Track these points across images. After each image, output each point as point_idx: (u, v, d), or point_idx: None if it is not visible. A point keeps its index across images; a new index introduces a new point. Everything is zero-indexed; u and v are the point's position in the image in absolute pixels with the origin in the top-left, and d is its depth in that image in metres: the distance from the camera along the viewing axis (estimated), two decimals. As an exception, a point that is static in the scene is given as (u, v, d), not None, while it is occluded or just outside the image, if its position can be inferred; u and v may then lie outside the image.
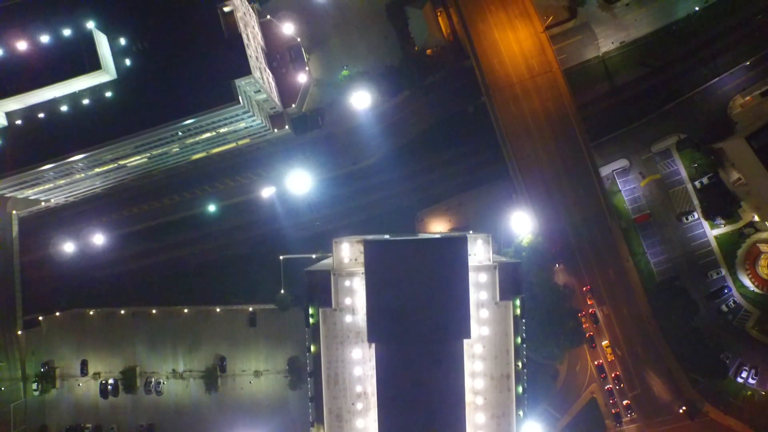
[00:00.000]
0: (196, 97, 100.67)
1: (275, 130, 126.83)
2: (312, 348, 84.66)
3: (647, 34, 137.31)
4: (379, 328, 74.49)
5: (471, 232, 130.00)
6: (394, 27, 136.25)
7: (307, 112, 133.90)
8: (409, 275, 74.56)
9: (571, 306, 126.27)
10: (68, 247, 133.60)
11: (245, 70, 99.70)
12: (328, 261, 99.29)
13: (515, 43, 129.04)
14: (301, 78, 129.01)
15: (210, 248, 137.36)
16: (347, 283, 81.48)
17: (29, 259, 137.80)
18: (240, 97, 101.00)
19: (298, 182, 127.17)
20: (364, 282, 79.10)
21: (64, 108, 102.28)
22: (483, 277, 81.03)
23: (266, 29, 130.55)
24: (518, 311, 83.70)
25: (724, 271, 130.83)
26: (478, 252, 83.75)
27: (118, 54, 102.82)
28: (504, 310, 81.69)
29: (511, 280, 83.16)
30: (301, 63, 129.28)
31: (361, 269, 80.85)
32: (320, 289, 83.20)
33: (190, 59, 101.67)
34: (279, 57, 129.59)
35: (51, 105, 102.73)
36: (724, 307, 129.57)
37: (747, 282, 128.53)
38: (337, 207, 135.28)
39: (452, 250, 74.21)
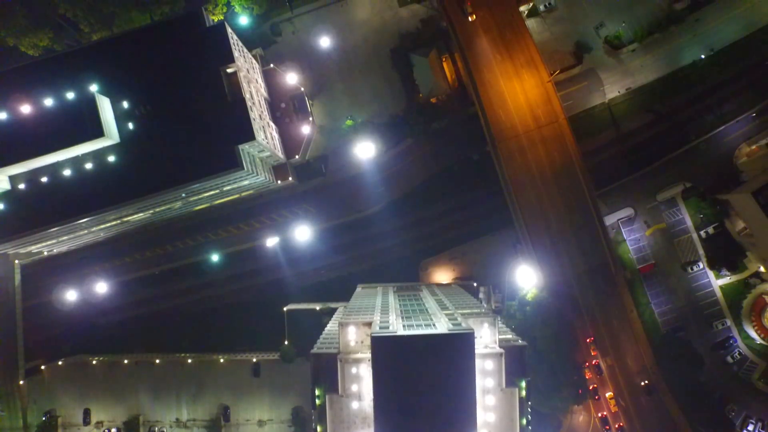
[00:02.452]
0: (199, 162, 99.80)
1: (279, 182, 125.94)
2: (318, 429, 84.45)
3: (653, 81, 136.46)
4: (385, 420, 74.33)
5: (475, 283, 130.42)
6: (398, 73, 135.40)
7: (311, 160, 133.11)
8: (416, 369, 74.15)
9: (574, 359, 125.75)
10: (70, 293, 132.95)
11: (249, 136, 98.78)
12: (333, 327, 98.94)
13: (521, 93, 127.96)
14: (305, 129, 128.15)
15: (213, 296, 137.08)
16: (354, 370, 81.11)
17: (31, 304, 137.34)
18: (244, 162, 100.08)
19: (302, 231, 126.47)
20: (370, 368, 78.53)
21: (67, 172, 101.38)
22: (489, 365, 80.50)
23: (269, 78, 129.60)
24: (523, 393, 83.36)
25: (729, 322, 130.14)
26: (485, 335, 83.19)
27: (120, 117, 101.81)
28: (510, 395, 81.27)
29: (517, 363, 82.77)
30: (304, 113, 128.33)
31: (368, 354, 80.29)
32: (326, 372, 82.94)
33: (194, 123, 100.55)
34: (282, 107, 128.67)
35: (54, 169, 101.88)
36: (729, 359, 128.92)
37: (753, 333, 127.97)
38: (341, 255, 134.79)
39: (459, 345, 73.78)
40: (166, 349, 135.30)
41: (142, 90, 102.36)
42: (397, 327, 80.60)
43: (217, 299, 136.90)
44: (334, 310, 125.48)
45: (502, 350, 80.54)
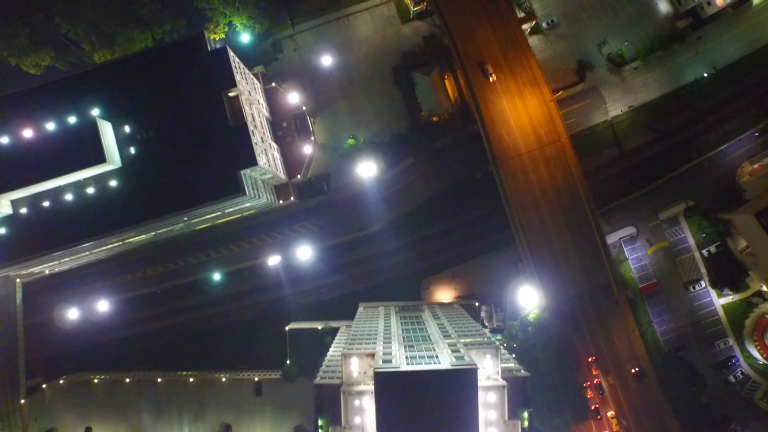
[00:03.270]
0: (201, 187, 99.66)
1: (280, 202, 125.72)
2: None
3: (656, 99, 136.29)
4: (388, 455, 74.33)
5: (477, 303, 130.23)
6: (401, 90, 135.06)
7: (313, 178, 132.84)
8: (419, 403, 74.02)
9: (576, 379, 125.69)
10: (72, 311, 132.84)
11: (251, 162, 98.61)
12: (336, 354, 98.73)
13: (524, 113, 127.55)
14: (307, 149, 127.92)
15: (215, 313, 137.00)
16: (357, 402, 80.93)
17: (32, 321, 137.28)
18: (246, 187, 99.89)
19: (304, 251, 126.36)
20: (373, 401, 78.40)
21: (68, 197, 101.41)
22: (492, 397, 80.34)
23: (271, 96, 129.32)
24: (525, 423, 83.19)
25: (731, 341, 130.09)
26: (487, 366, 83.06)
27: (122, 142, 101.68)
28: (512, 426, 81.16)
29: (520, 394, 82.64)
30: (306, 132, 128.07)
31: (371, 386, 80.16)
32: (329, 403, 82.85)
33: (195, 148, 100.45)
34: (284, 126, 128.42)
35: (56, 193, 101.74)
36: (731, 378, 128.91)
37: (755, 353, 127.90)
38: (342, 274, 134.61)
39: (462, 380, 73.60)
40: (167, 367, 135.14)
41: (144, 114, 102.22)
42: (400, 359, 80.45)
43: (218, 317, 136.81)
44: (336, 329, 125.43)
45: (504, 383, 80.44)
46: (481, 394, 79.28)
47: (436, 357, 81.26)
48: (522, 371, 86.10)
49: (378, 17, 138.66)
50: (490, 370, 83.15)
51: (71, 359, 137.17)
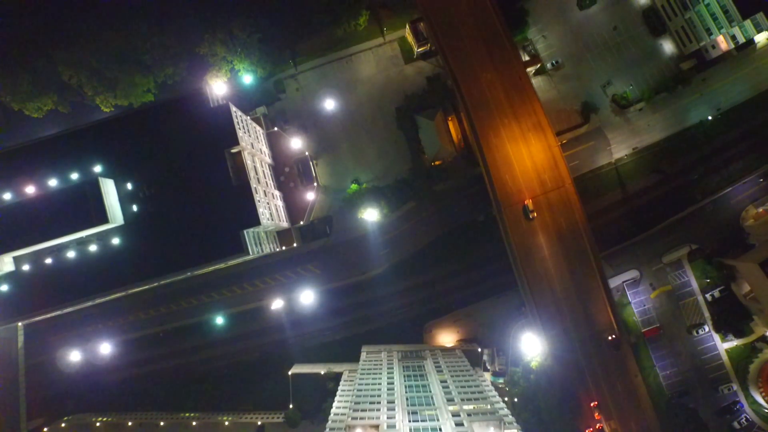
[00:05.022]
0: (203, 246, 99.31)
1: (283, 248, 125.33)
2: None
3: (660, 140, 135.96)
4: None
5: (479, 348, 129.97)
6: (404, 132, 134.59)
7: (315, 221, 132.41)
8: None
9: (578, 425, 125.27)
10: (74, 353, 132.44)
11: (254, 222, 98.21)
12: (340, 411, 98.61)
13: (528, 158, 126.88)
14: (309, 195, 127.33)
15: (218, 355, 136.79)
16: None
17: (34, 362, 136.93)
18: (249, 245, 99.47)
19: (306, 295, 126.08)
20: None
21: (71, 254, 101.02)
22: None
23: (273, 140, 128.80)
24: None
25: (735, 387, 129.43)
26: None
27: (124, 199, 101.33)
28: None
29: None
30: (309, 177, 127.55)
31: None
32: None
33: (198, 206, 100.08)
34: (287, 171, 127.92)
35: (58, 250, 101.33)
36: (736, 424, 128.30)
37: (760, 399, 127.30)
38: (345, 317, 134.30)
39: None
40: (170, 409, 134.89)
41: (146, 171, 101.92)
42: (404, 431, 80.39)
43: (222, 359, 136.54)
44: (338, 374, 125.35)
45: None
46: (484, 470, 79.19)
47: (439, 430, 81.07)
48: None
49: (381, 57, 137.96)
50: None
51: (73, 400, 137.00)
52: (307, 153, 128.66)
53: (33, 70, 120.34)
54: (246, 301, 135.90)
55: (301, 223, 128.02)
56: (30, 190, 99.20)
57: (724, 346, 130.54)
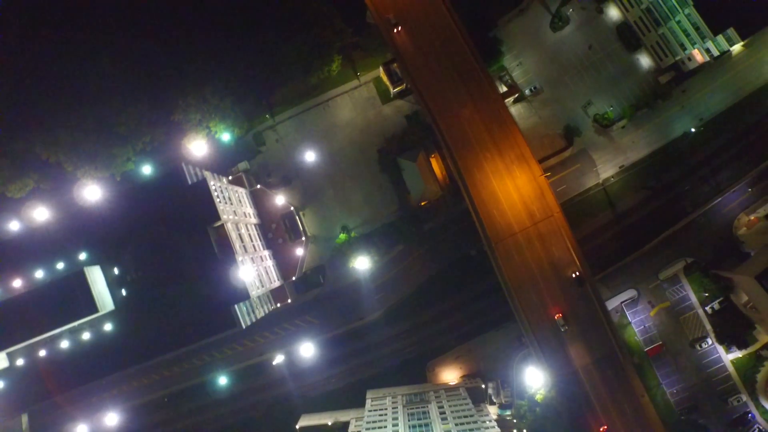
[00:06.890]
0: (195, 325, 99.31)
1: (278, 305, 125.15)
2: None
3: (645, 156, 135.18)
4: None
5: (483, 385, 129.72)
6: (388, 175, 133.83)
7: (308, 272, 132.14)
8: None
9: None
10: (80, 426, 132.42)
11: (244, 296, 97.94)
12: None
13: (514, 191, 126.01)
14: (299, 251, 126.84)
15: (224, 413, 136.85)
16: None
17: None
18: (241, 318, 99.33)
19: (306, 347, 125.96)
20: None
21: (64, 344, 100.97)
22: None
23: (257, 198, 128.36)
24: None
25: (744, 397, 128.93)
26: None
27: (113, 284, 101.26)
28: None
29: None
30: (296, 231, 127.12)
31: None
32: None
33: (186, 285, 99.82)
34: (274, 227, 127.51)
35: (51, 341, 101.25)
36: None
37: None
38: (347, 364, 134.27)
39: None
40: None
41: (131, 254, 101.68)
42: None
43: (228, 417, 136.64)
44: (346, 424, 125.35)
45: None
46: None
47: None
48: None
49: (358, 100, 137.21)
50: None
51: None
52: (292, 207, 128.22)
53: (11, 154, 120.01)
54: (248, 357, 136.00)
55: (293, 278, 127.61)
56: (17, 284, 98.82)
57: (729, 357, 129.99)
